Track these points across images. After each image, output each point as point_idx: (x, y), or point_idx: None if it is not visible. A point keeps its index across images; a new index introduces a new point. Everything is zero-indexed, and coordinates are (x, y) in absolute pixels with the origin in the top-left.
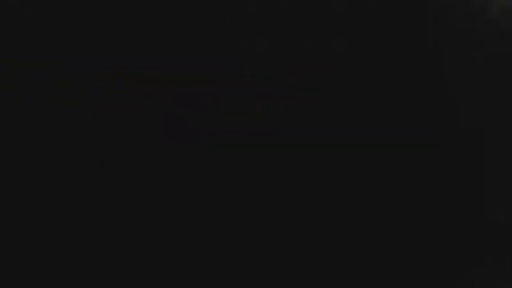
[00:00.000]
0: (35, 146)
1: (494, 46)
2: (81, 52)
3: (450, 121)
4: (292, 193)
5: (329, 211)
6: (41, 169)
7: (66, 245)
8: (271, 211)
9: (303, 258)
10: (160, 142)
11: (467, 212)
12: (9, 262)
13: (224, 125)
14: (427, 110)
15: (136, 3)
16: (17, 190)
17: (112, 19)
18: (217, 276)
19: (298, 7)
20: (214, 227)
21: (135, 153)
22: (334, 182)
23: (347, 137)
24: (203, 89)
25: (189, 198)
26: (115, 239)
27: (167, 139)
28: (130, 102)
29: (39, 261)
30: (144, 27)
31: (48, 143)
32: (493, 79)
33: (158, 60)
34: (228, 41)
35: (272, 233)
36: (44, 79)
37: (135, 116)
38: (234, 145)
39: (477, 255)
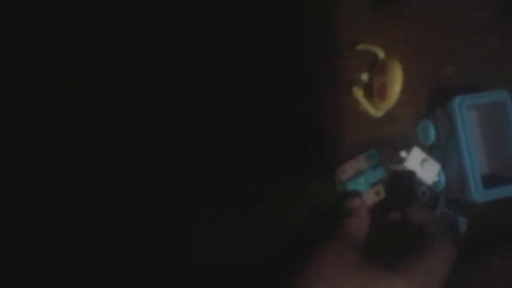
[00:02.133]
0: (35, 146)
1: None
2: (81, 52)
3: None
4: (292, 192)
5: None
6: (41, 169)
7: (66, 245)
8: (269, 209)
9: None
10: (160, 142)
11: None
12: (9, 261)
13: (224, 125)
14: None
15: (136, 3)
16: (17, 189)
17: (112, 19)
18: (215, 275)
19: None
20: (213, 227)
21: (135, 153)
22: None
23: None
24: (203, 89)
25: (189, 197)
26: (115, 238)
27: (167, 139)
28: (130, 102)
29: (39, 261)
30: (144, 27)
31: (48, 143)
32: None
33: (158, 60)
34: (228, 41)
35: (271, 232)
36: (44, 79)
37: (135, 116)
38: (234, 145)
39: None
